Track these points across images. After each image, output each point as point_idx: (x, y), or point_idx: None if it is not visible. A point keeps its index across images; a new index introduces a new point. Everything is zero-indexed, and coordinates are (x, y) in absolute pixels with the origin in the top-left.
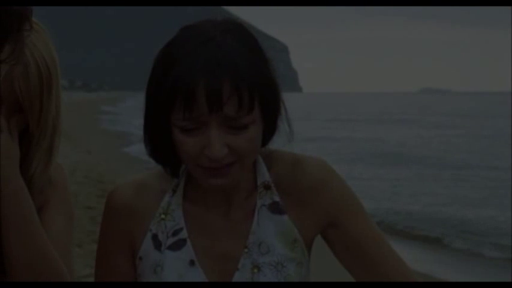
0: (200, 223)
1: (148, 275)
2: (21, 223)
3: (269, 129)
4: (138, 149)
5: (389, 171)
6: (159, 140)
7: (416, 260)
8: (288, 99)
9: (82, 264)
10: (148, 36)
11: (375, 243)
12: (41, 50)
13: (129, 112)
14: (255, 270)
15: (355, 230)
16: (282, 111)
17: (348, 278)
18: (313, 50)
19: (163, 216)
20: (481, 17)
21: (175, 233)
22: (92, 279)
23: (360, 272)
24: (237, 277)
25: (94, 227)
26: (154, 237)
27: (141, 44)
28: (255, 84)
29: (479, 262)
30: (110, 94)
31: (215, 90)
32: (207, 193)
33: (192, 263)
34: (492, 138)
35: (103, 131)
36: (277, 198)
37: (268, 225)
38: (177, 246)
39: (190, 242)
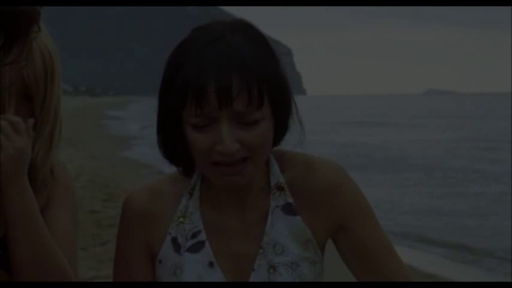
0: (217, 225)
1: (168, 278)
2: (26, 222)
3: (280, 128)
4: (143, 153)
5: (390, 177)
6: (172, 139)
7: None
8: None
9: (87, 267)
10: (151, 39)
11: (382, 249)
12: (43, 38)
13: (134, 116)
14: (271, 270)
15: (364, 234)
16: (293, 110)
17: (347, 278)
18: (317, 52)
19: (181, 219)
20: (483, 17)
21: (194, 236)
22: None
23: (364, 275)
24: (254, 277)
25: (99, 230)
26: (174, 240)
27: (143, 48)
28: (264, 80)
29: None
30: (114, 99)
31: (225, 86)
32: (222, 195)
33: (211, 264)
34: (497, 140)
35: (108, 135)
36: (290, 200)
37: (282, 226)
38: (196, 248)
39: (209, 244)
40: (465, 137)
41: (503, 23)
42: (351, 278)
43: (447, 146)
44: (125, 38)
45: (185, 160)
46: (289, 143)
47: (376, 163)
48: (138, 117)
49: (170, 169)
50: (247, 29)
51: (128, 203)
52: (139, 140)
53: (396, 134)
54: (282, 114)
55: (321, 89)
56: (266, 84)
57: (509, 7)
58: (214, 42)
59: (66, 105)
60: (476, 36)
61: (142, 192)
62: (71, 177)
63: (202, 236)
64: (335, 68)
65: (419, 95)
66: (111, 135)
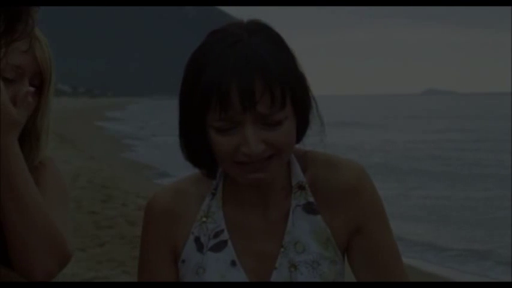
0: (239, 224)
1: (190, 277)
2: (9, 178)
3: (302, 125)
4: (143, 154)
5: (388, 178)
6: (195, 142)
7: None
8: None
9: (86, 268)
10: (150, 40)
11: (392, 254)
12: (39, 32)
13: (134, 117)
14: (292, 269)
15: (378, 238)
16: (313, 106)
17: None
18: (316, 52)
19: (204, 219)
20: (483, 17)
21: (216, 235)
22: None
23: (369, 279)
24: (275, 276)
25: (98, 231)
26: (197, 239)
27: (142, 48)
28: (286, 80)
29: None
30: (113, 100)
31: (248, 89)
32: (244, 194)
33: (233, 263)
34: (497, 141)
35: (107, 136)
36: (311, 199)
37: (303, 225)
38: (219, 247)
39: (231, 243)
40: (465, 138)
41: (503, 23)
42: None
43: (446, 147)
44: (124, 39)
45: (208, 163)
46: (306, 143)
47: (374, 164)
48: (138, 118)
49: (171, 170)
50: (264, 30)
51: (152, 203)
52: (139, 141)
53: (395, 134)
54: (303, 111)
55: (320, 89)
56: (287, 84)
57: (509, 7)
58: (234, 45)
59: (65, 106)
60: (477, 36)
61: (165, 193)
62: (58, 169)
63: (225, 235)
64: (334, 68)
65: (419, 94)
66: (110, 136)
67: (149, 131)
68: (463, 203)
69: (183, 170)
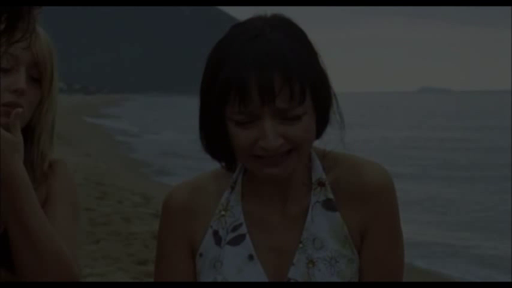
0: (258, 219)
1: (207, 271)
2: (16, 206)
3: (322, 121)
4: (138, 150)
5: None
6: (214, 134)
7: None
8: None
9: (81, 264)
10: (146, 38)
11: (392, 270)
12: (39, 28)
13: (130, 114)
14: (310, 265)
15: (381, 248)
16: (334, 103)
17: None
18: None
19: (223, 212)
20: (481, 16)
21: (234, 229)
22: (90, 279)
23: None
24: (293, 271)
25: (93, 228)
26: (215, 233)
27: (139, 46)
28: (306, 76)
29: None
30: (109, 97)
31: (267, 83)
32: (263, 188)
33: (250, 257)
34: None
35: (103, 133)
36: (330, 196)
37: (322, 221)
38: (237, 241)
39: (249, 237)
40: (463, 136)
41: (501, 20)
42: None
43: (445, 146)
44: (120, 36)
45: (227, 156)
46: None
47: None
48: (134, 115)
49: (168, 167)
50: (286, 25)
51: (168, 200)
52: (135, 138)
53: (391, 132)
54: (323, 107)
55: None
56: (307, 79)
57: (509, 7)
58: (255, 40)
59: (61, 104)
60: (473, 34)
61: (182, 189)
62: (72, 175)
63: (243, 229)
64: (329, 66)
65: (414, 92)
66: (106, 133)
67: (145, 128)
68: (461, 202)
69: (181, 168)
